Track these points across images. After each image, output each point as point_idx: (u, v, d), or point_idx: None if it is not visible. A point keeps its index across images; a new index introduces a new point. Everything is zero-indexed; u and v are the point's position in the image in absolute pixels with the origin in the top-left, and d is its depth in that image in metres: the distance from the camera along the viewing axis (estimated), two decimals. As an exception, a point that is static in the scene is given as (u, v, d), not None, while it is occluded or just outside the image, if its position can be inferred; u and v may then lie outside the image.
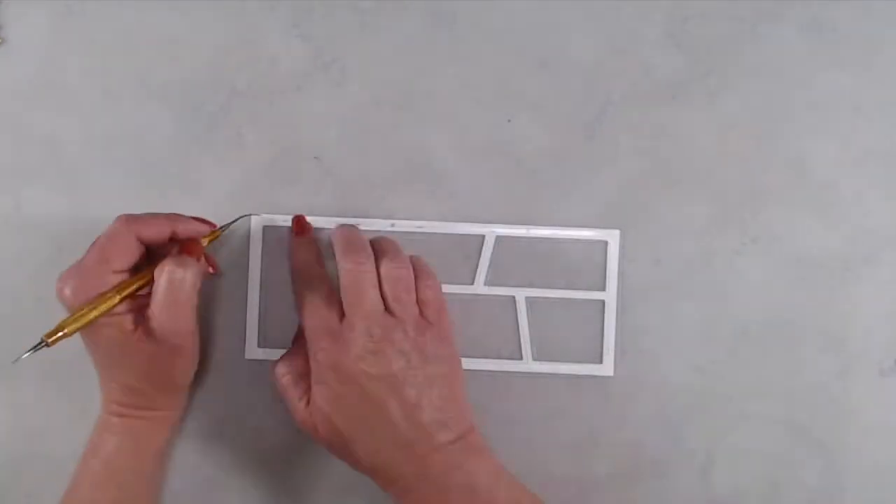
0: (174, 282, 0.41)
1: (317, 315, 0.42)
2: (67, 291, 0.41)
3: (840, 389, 0.48)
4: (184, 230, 0.44)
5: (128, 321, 0.42)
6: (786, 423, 0.48)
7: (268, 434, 0.48)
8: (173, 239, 0.43)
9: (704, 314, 0.48)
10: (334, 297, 0.42)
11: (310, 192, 0.48)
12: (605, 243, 0.48)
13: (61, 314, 0.46)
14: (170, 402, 0.45)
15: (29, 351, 0.39)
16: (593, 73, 0.48)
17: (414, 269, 0.43)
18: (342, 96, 0.48)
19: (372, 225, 0.48)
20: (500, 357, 0.48)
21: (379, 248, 0.43)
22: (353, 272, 0.41)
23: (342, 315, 0.41)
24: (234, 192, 0.48)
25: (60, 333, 0.40)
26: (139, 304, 0.42)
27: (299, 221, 0.47)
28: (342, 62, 0.48)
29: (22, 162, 0.48)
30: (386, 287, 0.41)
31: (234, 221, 0.47)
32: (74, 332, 0.40)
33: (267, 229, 0.48)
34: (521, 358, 0.48)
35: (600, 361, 0.48)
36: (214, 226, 0.45)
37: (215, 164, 0.48)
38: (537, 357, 0.48)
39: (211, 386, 0.48)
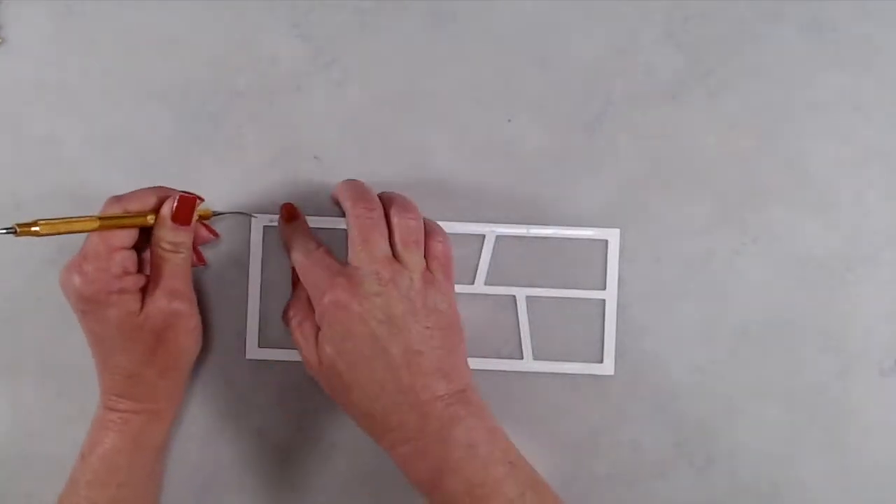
0: (170, 243, 0.43)
1: (321, 263, 0.42)
2: (77, 279, 0.41)
3: (840, 389, 0.48)
4: (164, 194, 0.44)
5: (133, 301, 0.42)
6: (786, 423, 0.48)
7: (268, 434, 0.48)
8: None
9: (704, 314, 0.48)
10: (333, 254, 0.43)
11: (310, 192, 0.48)
12: (605, 243, 0.48)
13: (61, 314, 0.47)
14: (170, 390, 0.45)
15: None
16: (593, 73, 0.48)
17: (425, 226, 0.43)
18: (342, 96, 0.48)
19: (372, 225, 0.48)
20: (500, 357, 0.48)
21: (390, 199, 0.44)
22: (361, 217, 0.42)
23: (346, 263, 0.42)
24: (234, 192, 0.48)
25: (34, 228, 0.39)
26: (144, 285, 0.43)
27: (289, 209, 0.47)
28: (342, 62, 0.49)
29: (22, 162, 0.48)
30: (396, 235, 0.42)
31: (230, 213, 0.47)
32: (46, 234, 0.40)
33: (267, 229, 0.48)
34: (521, 358, 0.48)
35: (600, 361, 0.48)
36: (202, 199, 0.45)
37: (215, 164, 0.48)
38: (537, 357, 0.48)
39: (211, 386, 0.48)
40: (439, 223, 0.47)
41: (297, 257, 0.44)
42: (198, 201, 0.44)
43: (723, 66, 0.48)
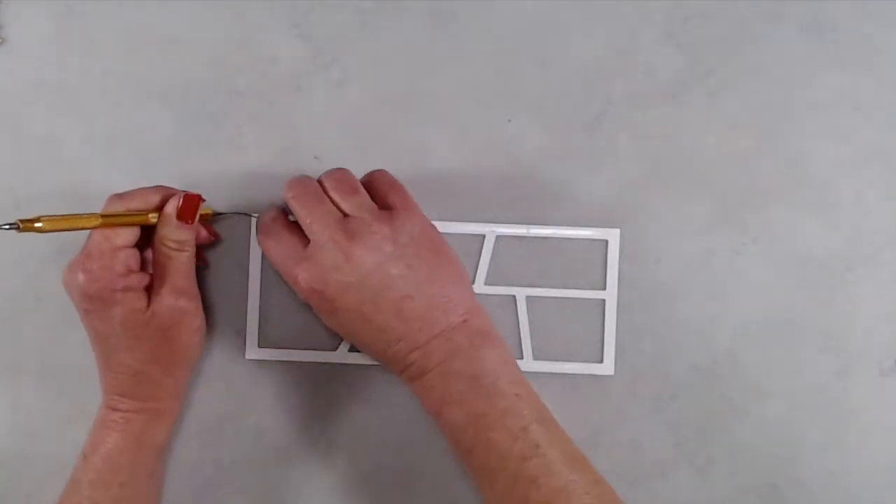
0: (175, 241, 0.43)
1: (282, 245, 0.42)
2: (81, 277, 0.41)
3: (840, 389, 0.48)
4: (167, 193, 0.44)
5: (138, 299, 0.42)
6: (786, 423, 0.48)
7: (268, 434, 0.48)
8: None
9: (704, 314, 0.48)
10: (296, 230, 0.43)
11: (310, 192, 0.48)
12: (605, 243, 0.48)
13: (61, 314, 0.47)
14: (174, 388, 0.45)
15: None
16: (593, 73, 0.48)
17: (364, 177, 0.43)
18: (342, 96, 0.48)
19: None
20: (500, 357, 0.48)
21: (322, 174, 0.44)
22: (297, 195, 0.42)
23: (307, 243, 0.41)
24: (234, 192, 0.48)
25: (37, 224, 0.39)
26: (148, 283, 0.43)
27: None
28: (342, 62, 0.48)
29: (22, 162, 0.48)
30: (331, 194, 0.42)
31: (231, 213, 0.47)
32: (48, 231, 0.40)
33: (267, 229, 0.48)
34: (521, 358, 0.48)
35: (600, 361, 0.48)
36: (203, 199, 0.45)
37: (215, 164, 0.48)
38: (537, 357, 0.48)
39: (211, 386, 0.48)
40: (439, 223, 0.47)
41: (262, 238, 0.44)
42: (200, 200, 0.44)
43: (723, 66, 0.48)
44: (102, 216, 0.42)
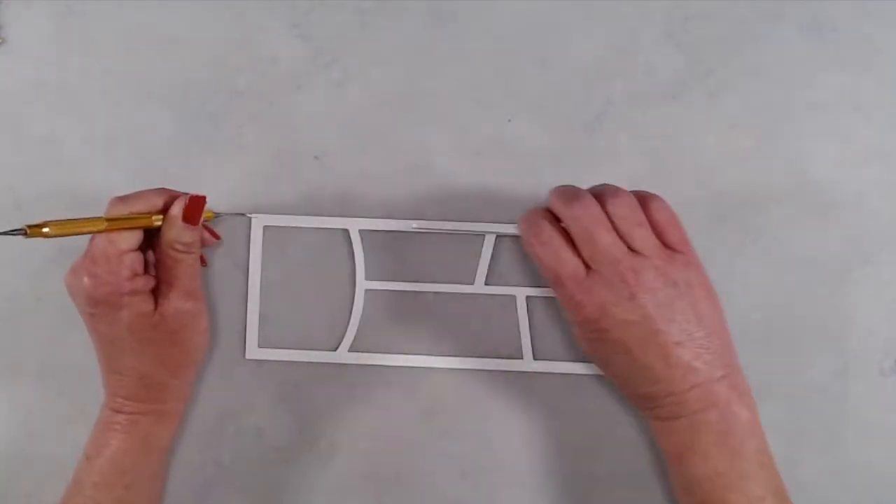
0: (182, 243, 0.43)
1: (561, 262, 0.40)
2: (86, 281, 0.41)
3: (840, 389, 0.48)
4: (171, 194, 0.44)
5: (146, 302, 0.42)
6: (786, 423, 0.48)
7: (268, 434, 0.48)
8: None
9: (704, 314, 0.48)
10: (572, 245, 0.41)
11: (310, 192, 0.48)
12: (605, 243, 0.48)
13: (61, 314, 0.47)
14: (180, 390, 0.45)
15: (3, 233, 0.39)
16: (593, 73, 0.48)
17: (638, 198, 0.41)
18: (342, 96, 0.48)
19: (374, 225, 0.48)
20: (500, 357, 0.48)
21: (596, 192, 0.42)
22: (581, 219, 0.40)
23: (585, 264, 0.40)
24: (234, 192, 0.48)
25: (45, 230, 0.39)
26: (154, 286, 0.43)
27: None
28: (342, 62, 0.49)
29: (22, 162, 0.48)
30: (618, 226, 0.40)
31: (231, 214, 0.47)
32: (55, 236, 0.40)
33: (267, 229, 0.48)
34: (521, 358, 0.48)
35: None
36: (205, 199, 0.45)
37: (215, 164, 0.48)
38: (537, 357, 0.48)
39: (211, 386, 0.48)
40: (439, 222, 0.47)
41: (529, 239, 0.42)
42: (205, 201, 0.44)
43: (723, 66, 0.48)
44: (108, 220, 0.41)
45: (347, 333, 0.48)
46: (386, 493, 0.48)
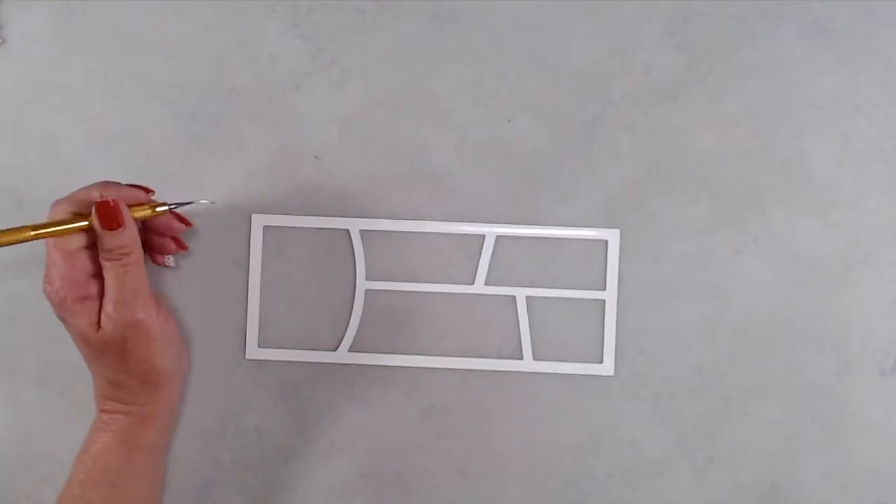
0: (106, 249, 0.41)
1: None
2: (45, 288, 0.41)
3: (840, 389, 0.48)
4: (107, 195, 0.41)
5: (95, 311, 0.41)
6: (786, 423, 0.48)
7: (268, 434, 0.48)
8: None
9: (704, 314, 0.48)
10: None
11: (310, 192, 0.48)
12: (605, 243, 0.48)
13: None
14: (155, 395, 0.43)
15: None
16: (593, 73, 0.48)
17: None
18: (342, 96, 0.48)
19: (374, 225, 0.48)
20: (500, 357, 0.48)
21: None
22: None
23: None
24: (234, 192, 0.48)
25: None
26: (93, 291, 0.42)
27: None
28: (342, 62, 0.49)
29: (22, 162, 0.48)
30: None
31: (185, 203, 0.44)
32: None
33: (267, 229, 0.48)
34: (521, 358, 0.48)
35: (600, 361, 0.48)
36: (151, 191, 0.44)
37: (215, 163, 0.48)
38: (537, 357, 0.48)
39: (211, 386, 0.48)
40: (439, 223, 0.47)
41: None
42: (128, 200, 0.42)
43: (723, 65, 0.48)
44: (33, 228, 0.40)
45: (347, 333, 0.48)
46: (386, 493, 0.48)
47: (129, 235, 0.41)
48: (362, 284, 0.48)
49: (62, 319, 0.42)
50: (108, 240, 0.40)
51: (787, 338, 0.48)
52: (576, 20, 0.48)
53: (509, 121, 0.48)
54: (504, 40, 0.49)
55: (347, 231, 0.48)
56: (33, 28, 0.49)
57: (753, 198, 0.48)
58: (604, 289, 0.48)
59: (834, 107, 0.48)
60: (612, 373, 0.48)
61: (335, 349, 0.48)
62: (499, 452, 0.48)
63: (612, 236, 0.48)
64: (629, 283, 0.48)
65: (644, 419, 0.48)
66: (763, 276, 0.48)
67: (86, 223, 0.41)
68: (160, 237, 0.45)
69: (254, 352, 0.48)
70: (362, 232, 0.48)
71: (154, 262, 0.47)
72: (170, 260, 0.47)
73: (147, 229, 0.45)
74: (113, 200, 0.40)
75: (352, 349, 0.48)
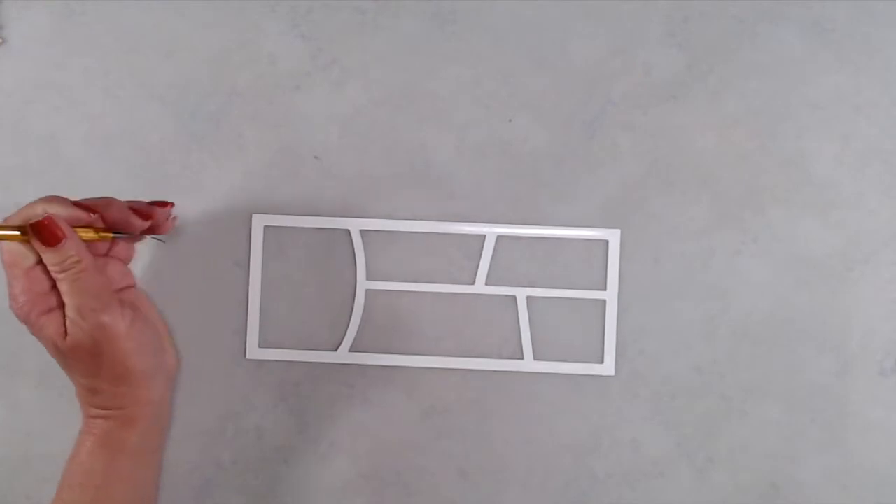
0: (53, 264, 0.40)
1: None
2: (11, 304, 0.40)
3: (840, 389, 0.48)
4: (51, 211, 0.40)
5: (62, 323, 0.41)
6: (786, 423, 0.48)
7: (268, 434, 0.48)
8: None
9: (704, 314, 0.48)
10: None
11: (310, 192, 0.48)
12: (606, 243, 0.48)
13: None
14: (133, 396, 0.42)
15: None
16: (593, 73, 0.48)
17: None
18: (342, 96, 0.48)
19: (374, 225, 0.48)
20: (500, 357, 0.48)
21: None
22: None
23: None
24: (234, 192, 0.48)
25: None
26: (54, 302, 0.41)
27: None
28: (342, 62, 0.48)
29: (22, 162, 0.48)
30: None
31: (127, 235, 0.43)
32: None
33: (267, 229, 0.48)
34: (521, 358, 0.48)
35: (600, 361, 0.48)
36: (94, 211, 0.42)
37: (215, 164, 0.48)
38: (537, 357, 0.48)
39: (211, 386, 0.48)
40: (439, 222, 0.47)
41: None
42: (71, 222, 0.40)
43: (723, 65, 0.48)
44: None
45: (347, 333, 0.48)
46: (386, 493, 0.48)
47: (72, 246, 0.40)
48: (362, 284, 0.48)
49: (33, 333, 0.41)
50: (52, 256, 0.40)
51: (787, 338, 0.48)
52: (576, 20, 0.48)
53: (509, 121, 0.48)
54: (504, 40, 0.49)
55: (347, 231, 0.48)
56: (33, 28, 0.49)
57: (753, 198, 0.48)
58: (604, 289, 0.48)
59: (834, 107, 0.48)
60: (612, 373, 0.48)
61: (335, 349, 0.48)
62: (499, 452, 0.48)
63: (612, 236, 0.48)
64: (629, 283, 0.48)
65: (644, 419, 0.48)
66: (763, 276, 0.48)
67: (17, 233, 0.40)
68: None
69: (254, 352, 0.48)
70: (362, 232, 0.48)
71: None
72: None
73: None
74: (48, 217, 0.39)
75: (352, 349, 0.48)
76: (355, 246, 0.48)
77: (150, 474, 0.45)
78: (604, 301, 0.48)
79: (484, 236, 0.48)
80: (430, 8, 0.49)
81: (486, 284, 0.48)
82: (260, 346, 0.48)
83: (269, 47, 0.48)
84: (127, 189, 0.48)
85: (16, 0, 0.49)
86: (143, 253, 0.48)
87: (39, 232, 0.39)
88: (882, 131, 0.48)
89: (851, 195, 0.48)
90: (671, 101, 0.48)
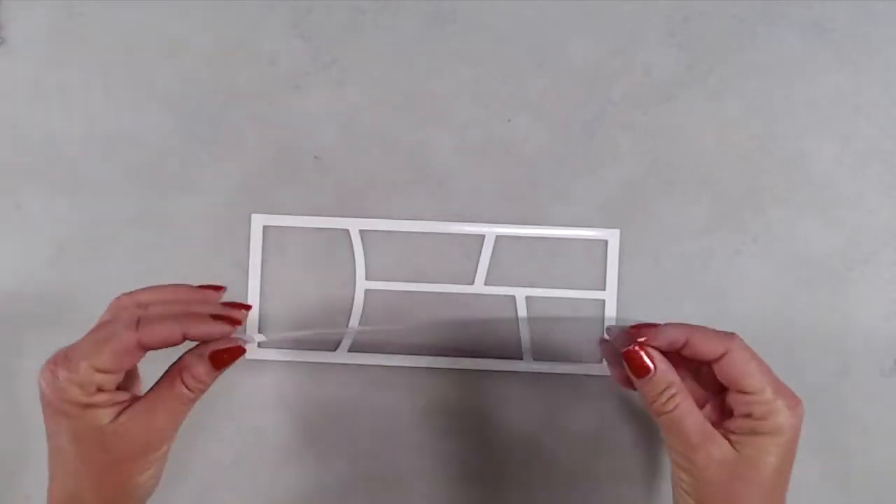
0: (199, 381, 0.38)
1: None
2: (41, 379, 0.36)
3: (840, 389, 0.48)
4: (196, 333, 0.37)
5: (106, 415, 0.36)
6: (786, 423, 0.48)
7: (268, 434, 0.48)
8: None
9: (704, 314, 0.48)
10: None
11: (310, 192, 0.48)
12: (605, 243, 0.48)
13: (61, 314, 0.47)
14: None
15: None
16: (593, 73, 0.48)
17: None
18: (342, 96, 0.48)
19: (374, 225, 0.48)
20: (500, 357, 0.48)
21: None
22: (750, 349, 0.38)
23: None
24: (234, 192, 0.48)
25: None
26: (121, 399, 0.37)
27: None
28: (342, 62, 0.49)
29: (22, 162, 0.48)
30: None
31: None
32: None
33: (267, 229, 0.48)
34: (521, 358, 0.48)
35: (600, 361, 0.48)
36: (221, 288, 0.41)
37: (215, 164, 0.48)
38: (537, 357, 0.48)
39: (211, 386, 0.48)
40: (439, 223, 0.47)
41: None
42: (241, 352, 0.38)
43: (723, 65, 0.48)
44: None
45: (347, 333, 0.48)
46: (386, 493, 0.48)
47: (213, 378, 0.38)
48: (362, 284, 0.48)
49: (46, 417, 0.36)
50: (209, 374, 0.38)
51: (787, 338, 0.48)
52: (576, 20, 0.48)
53: (509, 121, 0.48)
54: (504, 40, 0.49)
55: (347, 231, 0.48)
56: (33, 28, 0.49)
57: (753, 198, 0.48)
58: (604, 289, 0.48)
59: (834, 107, 0.48)
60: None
61: (335, 349, 0.48)
62: (499, 452, 0.48)
63: (612, 236, 0.48)
64: (629, 283, 0.48)
65: (644, 418, 0.48)
66: (763, 276, 0.48)
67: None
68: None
69: (254, 352, 0.48)
70: (362, 232, 0.48)
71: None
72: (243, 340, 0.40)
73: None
74: (241, 349, 0.38)
75: (352, 349, 0.48)
76: (355, 246, 0.48)
77: None
78: (603, 301, 0.48)
79: (483, 236, 0.48)
80: (430, 8, 0.49)
81: (486, 284, 0.48)
82: (260, 346, 0.48)
83: (269, 47, 0.48)
84: (127, 189, 0.48)
85: (16, 0, 0.49)
86: (142, 257, 0.48)
87: (225, 355, 0.38)
88: (882, 131, 0.48)
89: (851, 195, 0.48)
90: (671, 101, 0.48)
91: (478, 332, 0.48)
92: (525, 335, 0.48)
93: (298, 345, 0.48)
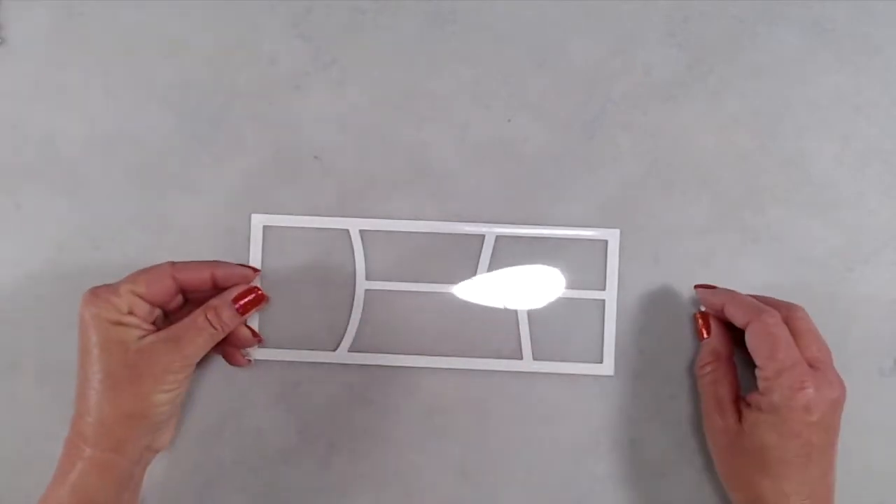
0: (221, 321, 0.43)
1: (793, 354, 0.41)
2: (84, 299, 0.42)
3: (840, 389, 0.48)
4: (223, 275, 0.44)
5: (134, 333, 0.41)
6: (786, 423, 0.48)
7: (268, 434, 0.48)
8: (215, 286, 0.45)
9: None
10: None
11: (310, 192, 0.48)
12: (605, 243, 0.48)
13: (61, 314, 0.47)
14: (138, 446, 0.42)
15: None
16: (593, 73, 0.48)
17: (779, 306, 0.43)
18: (342, 96, 0.48)
19: (374, 225, 0.48)
20: (500, 357, 0.48)
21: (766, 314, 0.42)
22: (774, 326, 0.41)
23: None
24: (234, 192, 0.48)
25: None
26: (149, 328, 0.42)
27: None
28: (342, 62, 0.49)
29: (22, 162, 0.48)
30: (802, 341, 0.42)
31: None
32: None
33: (267, 229, 0.48)
34: (521, 358, 0.48)
35: (600, 361, 0.48)
36: (258, 271, 0.46)
37: (215, 164, 0.48)
38: (537, 357, 0.48)
39: (211, 386, 0.48)
40: (439, 222, 0.47)
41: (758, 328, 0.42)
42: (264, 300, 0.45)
43: (723, 65, 0.48)
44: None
45: (347, 333, 0.48)
46: (386, 493, 0.48)
47: (235, 321, 0.45)
48: (362, 284, 0.48)
49: (81, 334, 0.42)
50: (231, 317, 0.44)
51: (787, 338, 0.48)
52: (576, 20, 0.48)
53: (509, 121, 0.48)
54: (504, 40, 0.49)
55: (347, 231, 0.48)
56: (33, 28, 0.49)
57: (753, 198, 0.48)
58: (604, 289, 0.48)
59: (834, 107, 0.48)
60: (612, 373, 0.48)
61: (335, 349, 0.48)
62: (499, 452, 0.48)
63: (612, 236, 0.48)
64: (629, 283, 0.48)
65: (644, 419, 0.48)
66: (763, 276, 0.48)
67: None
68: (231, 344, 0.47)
69: (254, 352, 0.48)
70: (362, 232, 0.48)
71: (234, 363, 0.47)
72: (248, 354, 0.48)
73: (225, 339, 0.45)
74: (264, 296, 0.45)
75: (352, 349, 0.48)
76: (355, 246, 0.48)
77: (137, 497, 0.44)
78: (603, 301, 0.48)
79: (483, 236, 0.48)
80: (430, 8, 0.49)
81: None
82: (259, 345, 0.48)
83: (269, 47, 0.48)
84: (127, 189, 0.48)
85: (16, 0, 0.49)
86: (142, 257, 0.48)
87: (248, 300, 0.45)
88: (882, 131, 0.48)
89: (851, 195, 0.48)
90: (671, 101, 0.48)
91: (478, 332, 0.48)
92: (525, 335, 0.48)
93: (298, 344, 0.48)
